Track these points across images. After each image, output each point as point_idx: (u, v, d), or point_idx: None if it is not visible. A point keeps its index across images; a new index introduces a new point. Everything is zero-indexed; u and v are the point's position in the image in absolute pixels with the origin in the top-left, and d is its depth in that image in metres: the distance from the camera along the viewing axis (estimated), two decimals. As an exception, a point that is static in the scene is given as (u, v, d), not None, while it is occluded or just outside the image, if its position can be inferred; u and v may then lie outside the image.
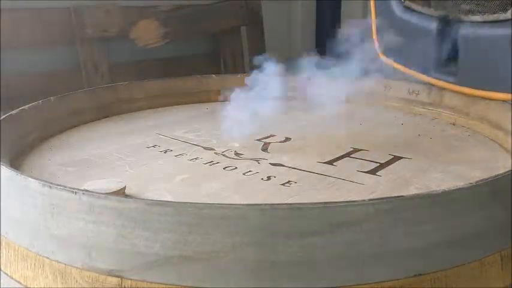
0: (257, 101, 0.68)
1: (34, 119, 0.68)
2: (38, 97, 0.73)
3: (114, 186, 0.49)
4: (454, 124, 0.76)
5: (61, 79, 1.17)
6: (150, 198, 0.49)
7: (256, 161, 0.61)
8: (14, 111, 0.66)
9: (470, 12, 0.72)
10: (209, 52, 1.46)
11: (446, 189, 0.40)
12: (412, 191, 0.52)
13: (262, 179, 0.55)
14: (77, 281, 0.41)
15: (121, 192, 0.49)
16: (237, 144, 0.66)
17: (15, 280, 0.45)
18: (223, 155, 0.63)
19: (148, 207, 0.38)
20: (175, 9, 1.31)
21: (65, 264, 0.41)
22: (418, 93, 0.83)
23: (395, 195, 0.40)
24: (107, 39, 1.22)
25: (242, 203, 0.41)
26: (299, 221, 0.37)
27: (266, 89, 0.71)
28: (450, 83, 0.75)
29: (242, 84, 0.71)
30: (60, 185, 0.41)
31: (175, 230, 0.38)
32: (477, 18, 0.70)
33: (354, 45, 0.73)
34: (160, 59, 1.33)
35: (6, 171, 0.46)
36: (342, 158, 0.62)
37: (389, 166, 0.59)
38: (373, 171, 0.57)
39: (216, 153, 0.64)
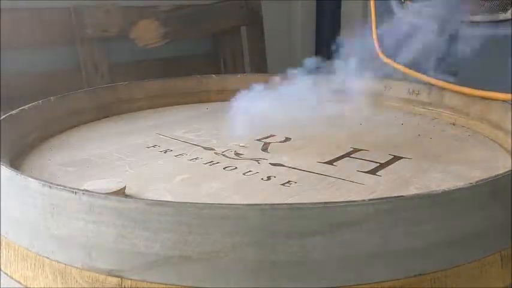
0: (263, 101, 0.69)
1: (34, 119, 0.68)
2: (38, 97, 0.73)
3: (114, 186, 0.49)
4: (454, 124, 0.76)
5: (61, 79, 1.17)
6: (150, 198, 0.49)
7: (256, 161, 0.61)
8: (14, 111, 0.66)
9: (470, 12, 0.72)
10: (209, 52, 1.46)
11: (446, 189, 0.40)
12: (412, 191, 0.52)
13: (262, 179, 0.55)
14: (77, 281, 0.41)
15: (121, 192, 0.49)
16: (239, 144, 0.66)
17: (15, 280, 0.45)
18: (223, 155, 0.63)
19: (148, 207, 0.38)
20: (175, 9, 1.31)
21: (65, 264, 0.41)
22: (418, 93, 0.82)
23: (395, 195, 0.40)
24: (107, 39, 1.22)
25: (242, 203, 0.41)
26: (299, 221, 0.37)
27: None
28: (450, 83, 0.75)
29: (246, 85, 0.71)
30: (60, 185, 0.41)
31: (175, 230, 0.38)
32: (477, 18, 0.70)
33: (354, 45, 0.73)
34: (160, 59, 1.33)
35: (6, 171, 0.46)
36: (342, 158, 0.62)
37: (389, 166, 0.59)
38: (373, 171, 0.57)
39: (216, 153, 0.64)
